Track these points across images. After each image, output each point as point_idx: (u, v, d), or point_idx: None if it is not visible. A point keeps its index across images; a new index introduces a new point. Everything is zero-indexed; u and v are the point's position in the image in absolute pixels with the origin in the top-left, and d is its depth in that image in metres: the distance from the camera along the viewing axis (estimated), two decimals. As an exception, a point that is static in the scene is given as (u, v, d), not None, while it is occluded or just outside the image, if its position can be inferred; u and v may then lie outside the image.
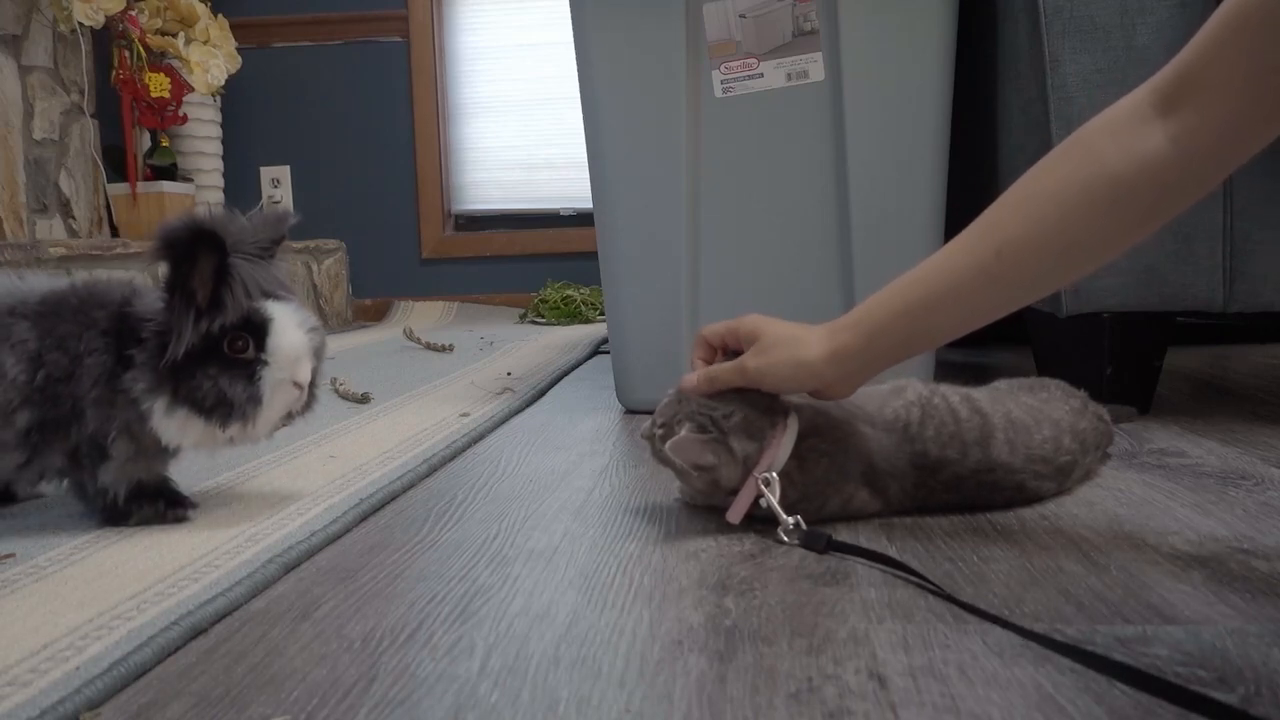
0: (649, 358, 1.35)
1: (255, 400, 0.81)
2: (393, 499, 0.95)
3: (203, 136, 2.89)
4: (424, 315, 3.06)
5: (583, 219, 3.15)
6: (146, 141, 2.77)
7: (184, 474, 0.94)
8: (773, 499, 0.78)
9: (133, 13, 2.58)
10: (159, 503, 0.86)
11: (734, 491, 0.80)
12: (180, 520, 0.86)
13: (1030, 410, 0.88)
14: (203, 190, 2.87)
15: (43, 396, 0.81)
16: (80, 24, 2.46)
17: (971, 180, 1.50)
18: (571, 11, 1.32)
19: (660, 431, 0.83)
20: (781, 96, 1.28)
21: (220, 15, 2.82)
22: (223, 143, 3.00)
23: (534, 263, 3.18)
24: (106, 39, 2.65)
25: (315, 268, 2.93)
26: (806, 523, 0.77)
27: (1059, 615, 0.62)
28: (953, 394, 0.87)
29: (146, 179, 2.69)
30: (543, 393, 1.58)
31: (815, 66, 1.27)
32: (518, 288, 3.18)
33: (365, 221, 3.21)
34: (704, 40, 1.28)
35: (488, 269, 3.23)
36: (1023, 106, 1.26)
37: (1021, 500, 0.86)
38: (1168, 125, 0.65)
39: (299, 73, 3.21)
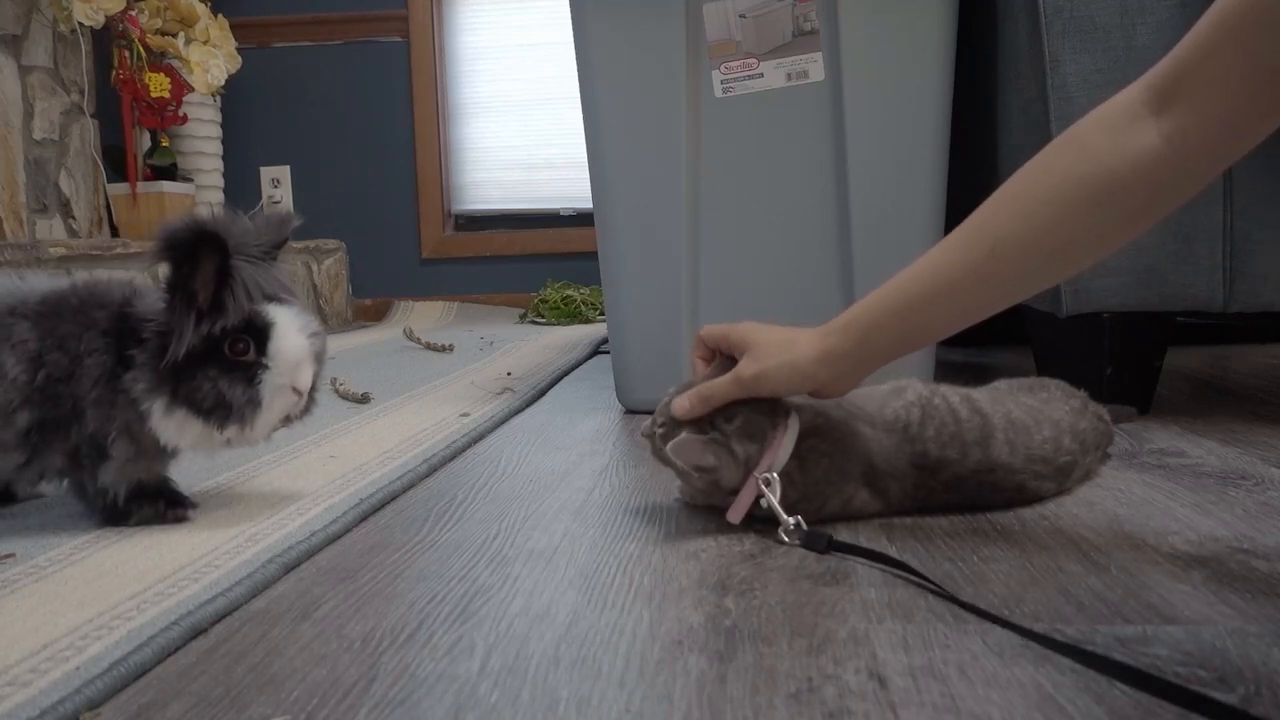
0: (649, 358, 1.35)
1: (254, 403, 0.81)
2: (393, 499, 0.95)
3: (203, 136, 2.89)
4: (424, 315, 3.06)
5: (583, 219, 3.15)
6: (146, 141, 2.77)
7: (184, 474, 0.94)
8: (773, 499, 0.78)
9: (133, 13, 2.58)
10: (159, 503, 0.86)
11: (734, 492, 0.80)
12: (180, 520, 0.86)
13: (1030, 410, 0.88)
14: (203, 190, 2.87)
15: (43, 396, 0.81)
16: (80, 24, 2.46)
17: (971, 180, 1.49)
18: (571, 11, 1.32)
19: (660, 431, 0.83)
20: (781, 96, 1.28)
21: (220, 15, 2.82)
22: (223, 143, 3.00)
23: (534, 263, 3.18)
24: (106, 39, 2.65)
25: (315, 268, 2.93)
26: (807, 523, 0.77)
27: (1059, 615, 0.62)
28: (953, 394, 0.87)
29: (146, 179, 2.69)
30: (543, 393, 1.58)
31: (815, 66, 1.27)
32: (518, 288, 3.18)
33: (365, 221, 3.21)
34: (704, 40, 1.28)
35: (488, 269, 3.23)
36: (1023, 106, 1.26)
37: (1021, 500, 0.86)
38: (1161, 123, 0.65)
39: (299, 73, 3.21)
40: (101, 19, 2.49)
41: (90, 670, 0.55)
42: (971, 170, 1.50)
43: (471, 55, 3.25)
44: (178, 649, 0.60)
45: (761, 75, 1.28)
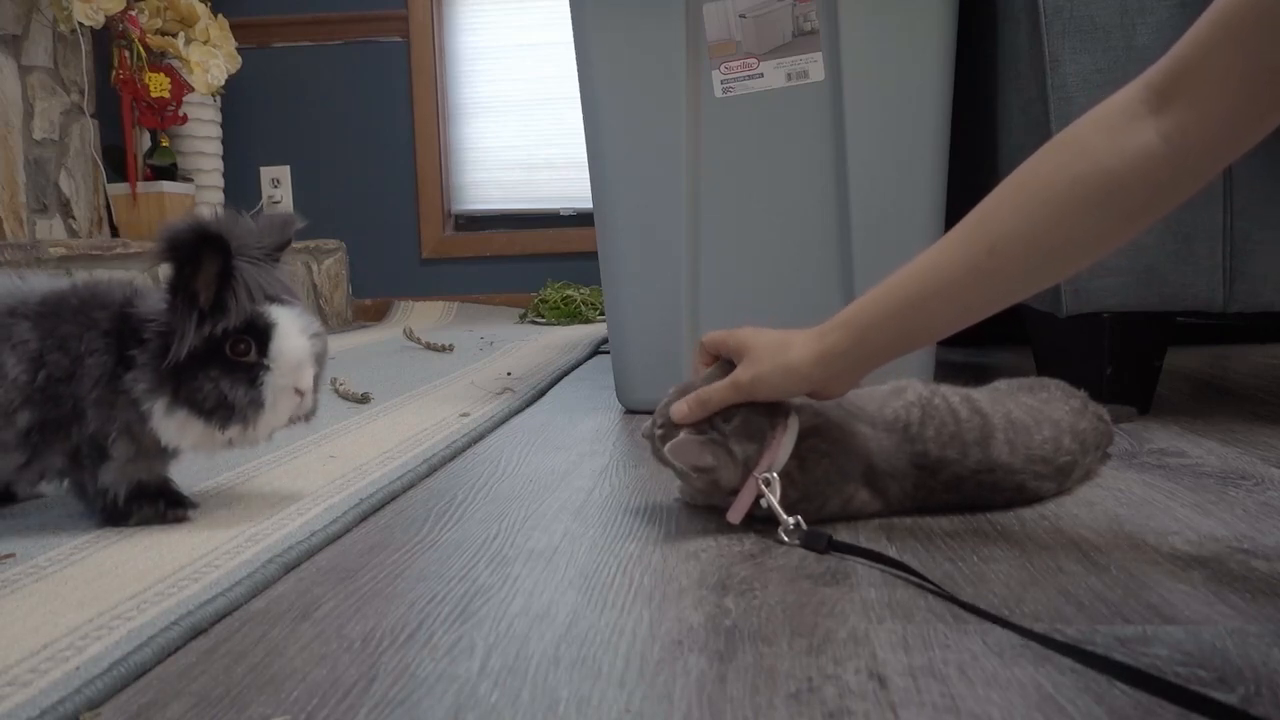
0: (649, 358, 1.35)
1: (256, 404, 0.81)
2: (393, 499, 0.95)
3: (203, 136, 2.89)
4: (424, 315, 3.06)
5: (583, 219, 3.15)
6: (146, 141, 2.77)
7: (184, 474, 0.94)
8: (773, 499, 0.78)
9: (133, 13, 2.57)
10: (159, 503, 0.86)
11: (734, 492, 0.80)
12: (180, 520, 0.86)
13: (1030, 410, 0.88)
14: (203, 190, 2.87)
15: (43, 397, 0.81)
16: (80, 24, 2.46)
17: (971, 180, 1.49)
18: (571, 11, 1.32)
19: (660, 432, 0.83)
20: (781, 96, 1.28)
21: (220, 15, 2.82)
22: (223, 143, 3.00)
23: (534, 263, 3.18)
24: (106, 39, 2.65)
25: (315, 268, 2.93)
26: (806, 523, 0.77)
27: (1059, 615, 0.62)
28: (953, 394, 0.87)
29: (146, 179, 2.69)
30: (543, 393, 1.58)
31: (815, 66, 1.27)
32: (518, 288, 3.18)
33: (365, 221, 3.21)
34: (704, 40, 1.28)
35: (488, 269, 3.23)
36: (1023, 106, 1.26)
37: (1021, 500, 0.86)
38: (1160, 122, 0.65)
39: (299, 73, 3.21)
40: (101, 19, 2.49)
41: (90, 670, 0.55)
42: (971, 170, 1.50)
43: (471, 55, 3.25)
44: (178, 649, 0.60)
45: (761, 75, 1.28)
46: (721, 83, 1.29)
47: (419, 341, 2.23)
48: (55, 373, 0.81)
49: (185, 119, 2.74)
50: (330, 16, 3.19)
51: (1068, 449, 0.88)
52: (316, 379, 0.86)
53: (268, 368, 0.81)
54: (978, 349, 1.97)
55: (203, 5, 2.76)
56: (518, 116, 3.23)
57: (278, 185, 3.25)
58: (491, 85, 3.24)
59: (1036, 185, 0.71)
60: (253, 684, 0.55)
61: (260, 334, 0.81)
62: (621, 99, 1.31)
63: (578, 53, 1.33)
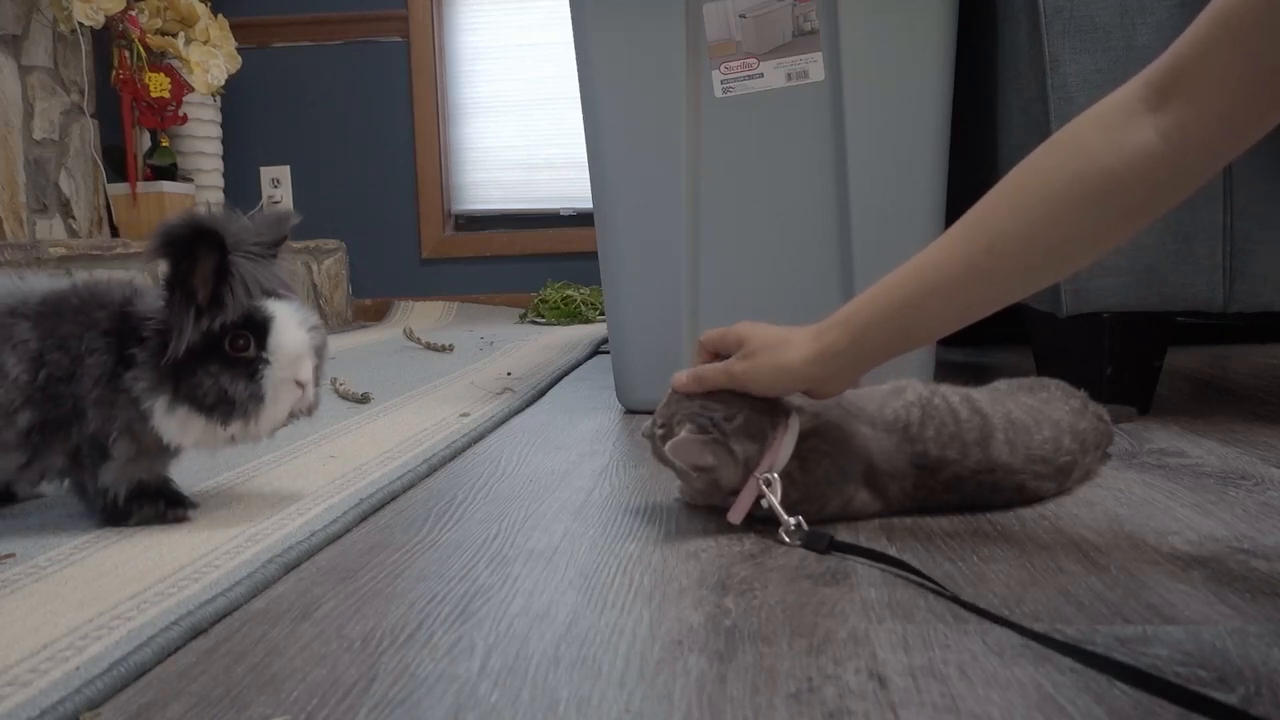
0: (649, 358, 1.35)
1: (257, 398, 0.81)
2: (393, 499, 0.95)
3: (203, 136, 2.89)
4: (424, 315, 3.06)
5: (583, 219, 3.15)
6: (146, 141, 2.77)
7: (184, 474, 0.94)
8: (774, 499, 0.78)
9: (133, 13, 2.57)
10: (159, 503, 0.86)
11: (734, 492, 0.80)
12: (180, 520, 0.86)
13: (1030, 410, 0.88)
14: (203, 190, 2.87)
15: (44, 396, 0.81)
16: (80, 24, 2.46)
17: (971, 180, 1.49)
18: (571, 11, 1.32)
19: (660, 431, 0.83)
20: (781, 96, 1.28)
21: (220, 15, 2.82)
22: (223, 143, 3.00)
23: (534, 263, 3.18)
24: (106, 39, 2.65)
25: (315, 268, 2.93)
26: (807, 523, 0.77)
27: (1059, 615, 0.62)
28: (953, 394, 0.87)
29: (146, 179, 2.69)
30: (543, 393, 1.58)
31: (815, 66, 1.27)
32: (518, 288, 3.18)
33: (365, 221, 3.21)
34: (704, 40, 1.28)
35: (488, 269, 3.23)
36: (1023, 106, 1.26)
37: (1021, 500, 0.86)
38: (1158, 120, 0.65)
39: (299, 73, 3.21)
40: (101, 19, 2.49)
41: (90, 670, 0.55)
42: (971, 170, 1.50)
43: (471, 55, 3.25)
44: (178, 649, 0.60)
45: (761, 75, 1.28)
46: (721, 83, 1.29)
47: (419, 341, 2.23)
48: (56, 372, 0.81)
49: (185, 119, 2.74)
50: (330, 16, 3.19)
51: (1068, 449, 0.88)
52: (317, 372, 0.86)
53: (267, 361, 0.81)
54: (978, 349, 1.97)
55: (203, 5, 2.76)
56: (518, 116, 3.23)
57: (278, 185, 3.25)
58: (491, 85, 3.24)
59: (1035, 184, 0.71)
60: (253, 684, 0.55)
61: (258, 328, 0.81)
62: (621, 99, 1.31)
63: (578, 53, 1.33)
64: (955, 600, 0.64)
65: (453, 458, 1.12)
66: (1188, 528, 0.79)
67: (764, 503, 0.79)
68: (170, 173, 2.75)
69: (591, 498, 0.93)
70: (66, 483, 0.87)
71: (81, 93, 2.64)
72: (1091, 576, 0.68)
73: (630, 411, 1.38)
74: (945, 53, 1.26)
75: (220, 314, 0.79)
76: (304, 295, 2.81)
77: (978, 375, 1.06)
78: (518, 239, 3.22)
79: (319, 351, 0.86)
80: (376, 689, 0.54)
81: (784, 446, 0.80)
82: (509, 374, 1.76)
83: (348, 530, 0.85)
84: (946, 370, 1.52)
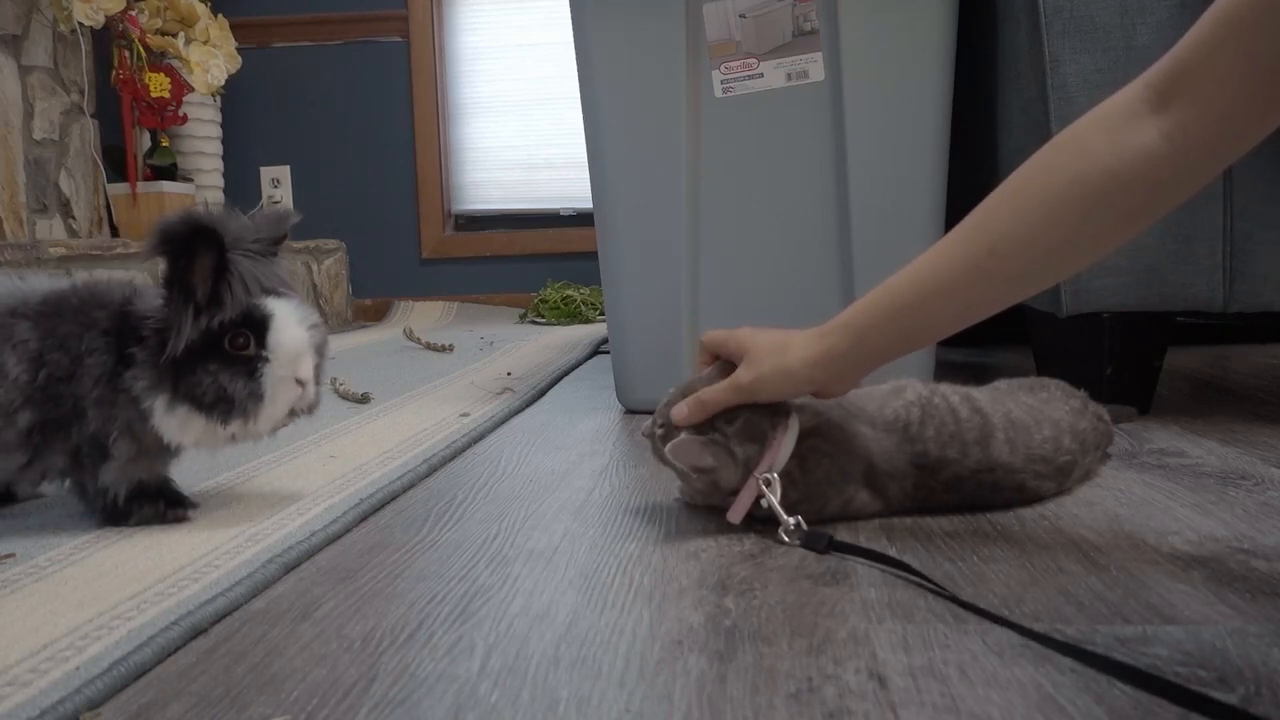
0: (649, 358, 1.35)
1: (256, 396, 0.81)
2: (393, 499, 0.95)
3: (203, 136, 2.89)
4: (424, 315, 3.06)
5: (583, 219, 3.15)
6: (146, 141, 2.77)
7: (184, 474, 0.94)
8: (774, 499, 0.78)
9: (133, 13, 2.57)
10: (159, 503, 0.86)
11: (734, 492, 0.80)
12: (180, 520, 0.86)
13: (1030, 410, 0.88)
14: (203, 190, 2.87)
15: (44, 396, 0.81)
16: (80, 24, 2.46)
17: (971, 180, 1.49)
18: (571, 11, 1.32)
19: (660, 432, 0.83)
20: (781, 96, 1.28)
21: (220, 15, 2.82)
22: (223, 143, 3.00)
23: (534, 263, 3.18)
24: (106, 39, 2.65)
25: (315, 268, 2.93)
26: (807, 523, 0.77)
27: (1059, 615, 0.62)
28: (953, 394, 0.87)
29: (146, 179, 2.69)
30: (543, 393, 1.58)
31: (815, 66, 1.27)
32: (518, 288, 3.18)
33: (365, 221, 3.21)
34: (704, 40, 1.28)
35: (488, 269, 3.23)
36: (1023, 106, 1.26)
37: (1021, 500, 0.86)
38: (1161, 121, 0.65)
39: (299, 73, 3.21)
40: (101, 19, 2.49)
41: (90, 670, 0.55)
42: (971, 170, 1.50)
43: (471, 55, 3.25)
44: (178, 649, 0.60)
45: (761, 75, 1.28)
46: (721, 83, 1.29)
47: (419, 341, 2.23)
48: (56, 372, 0.81)
49: (185, 119, 2.74)
50: (330, 16, 3.19)
51: (1068, 449, 0.88)
52: (317, 370, 0.86)
53: (266, 359, 0.81)
54: (978, 349, 1.97)
55: (203, 5, 2.76)
56: (518, 116, 3.23)
57: (278, 185, 3.25)
58: (491, 85, 3.24)
59: (1036, 186, 0.71)
60: (253, 684, 0.55)
61: (258, 326, 0.81)
62: (621, 99, 1.31)
63: (578, 53, 1.33)
64: (955, 600, 0.64)
65: (453, 458, 1.12)
66: (1188, 528, 0.79)
67: (764, 503, 0.79)
68: (170, 173, 2.75)
69: (591, 498, 0.93)
70: (67, 483, 0.87)
71: (81, 93, 2.64)
72: (1091, 576, 0.68)
73: (630, 411, 1.38)
74: (945, 53, 1.26)
75: (219, 312, 0.79)
76: (304, 295, 2.81)
77: (978, 375, 1.06)
78: (518, 239, 3.22)
79: (319, 349, 0.86)
80: (376, 689, 0.54)
81: (784, 446, 0.80)
82: (509, 374, 1.76)
83: (348, 530, 0.85)
84: (946, 370, 1.52)
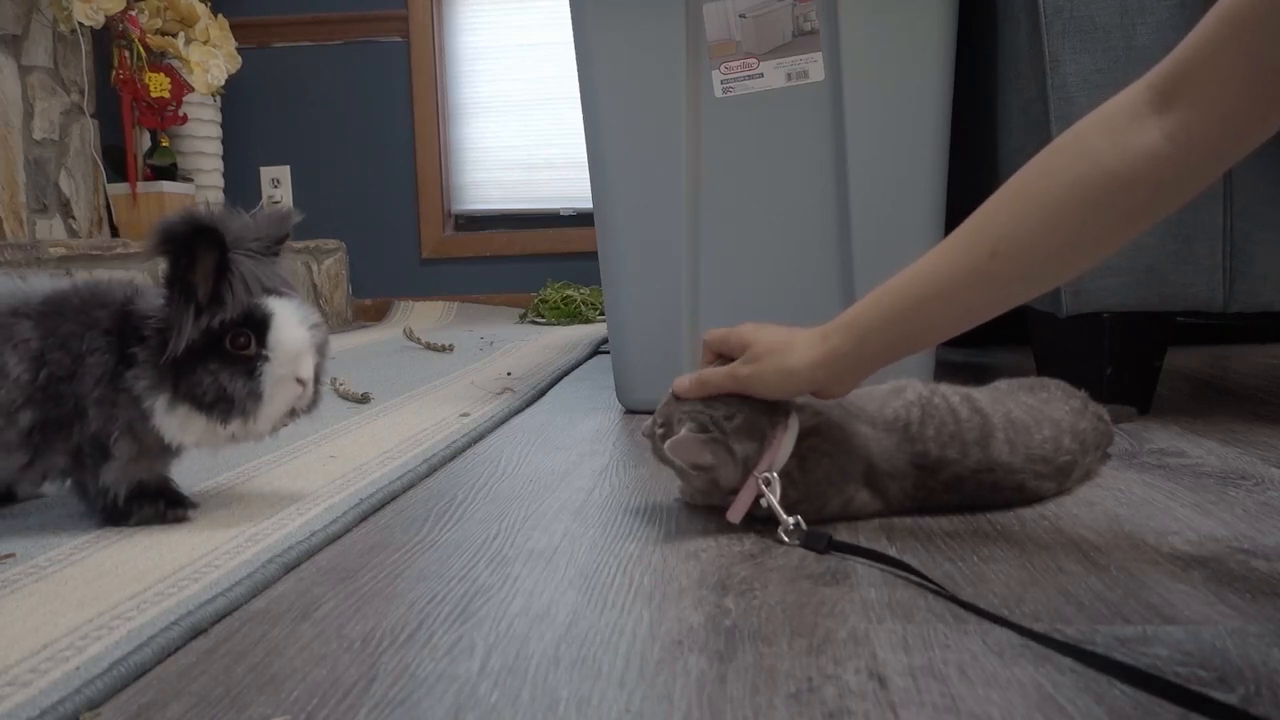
0: (649, 358, 1.35)
1: (256, 396, 0.81)
2: (393, 499, 0.95)
3: (203, 136, 2.89)
4: (424, 315, 3.06)
5: (583, 219, 3.15)
6: (146, 141, 2.77)
7: (184, 474, 0.94)
8: (773, 499, 0.78)
9: (133, 13, 2.57)
10: (159, 503, 0.86)
11: (734, 491, 0.80)
12: (180, 520, 0.86)
13: (1030, 410, 0.88)
14: (203, 190, 2.87)
15: (45, 396, 0.81)
16: (80, 24, 2.45)
17: (971, 180, 1.49)
18: (571, 11, 1.32)
19: (660, 430, 0.83)
20: (781, 96, 1.28)
21: (220, 15, 2.82)
22: (223, 143, 3.00)
23: (534, 263, 3.18)
24: (106, 39, 2.65)
25: (315, 268, 2.93)
26: (806, 523, 0.77)
27: (1059, 615, 0.62)
28: (953, 394, 0.87)
29: (146, 179, 2.69)
30: (543, 393, 1.58)
31: (815, 66, 1.27)
32: (518, 288, 3.18)
33: (365, 221, 3.21)
34: (704, 40, 1.28)
35: (488, 269, 3.23)
36: (1023, 106, 1.26)
37: (1021, 500, 0.86)
38: (1163, 122, 0.65)
39: (299, 73, 3.21)
40: (101, 19, 2.49)
41: (90, 670, 0.55)
42: (971, 170, 1.50)
43: (471, 55, 3.25)
44: (178, 649, 0.60)
45: (761, 75, 1.28)
46: (721, 83, 1.29)
47: (419, 341, 2.23)
48: (57, 372, 0.81)
49: (185, 119, 2.74)
50: (330, 16, 3.19)
51: (1068, 449, 0.88)
52: (318, 370, 0.86)
53: (267, 358, 0.81)
54: (978, 349, 1.97)
55: (203, 5, 2.76)
56: (518, 116, 3.23)
57: (278, 185, 3.25)
58: (491, 85, 3.24)
59: (1038, 187, 0.71)
60: (253, 684, 0.55)
61: (259, 325, 0.81)
62: (621, 99, 1.31)
63: (578, 53, 1.33)
64: (955, 600, 0.64)
65: (453, 458, 1.12)
66: (1188, 528, 0.79)
67: (763, 502, 0.79)
68: (170, 173, 2.75)
69: (591, 498, 0.93)
70: (68, 482, 0.87)
71: (81, 93, 2.64)
72: (1091, 576, 0.68)
73: (630, 411, 1.38)
74: (945, 53, 1.26)
75: (220, 311, 0.79)
76: (304, 295, 2.81)
77: (978, 375, 1.06)
78: (518, 239, 3.22)
79: (320, 349, 0.86)
80: (376, 689, 0.54)
81: (783, 446, 0.80)
82: (509, 374, 1.76)
83: (348, 530, 0.85)
84: (946, 370, 1.52)
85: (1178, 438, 1.12)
